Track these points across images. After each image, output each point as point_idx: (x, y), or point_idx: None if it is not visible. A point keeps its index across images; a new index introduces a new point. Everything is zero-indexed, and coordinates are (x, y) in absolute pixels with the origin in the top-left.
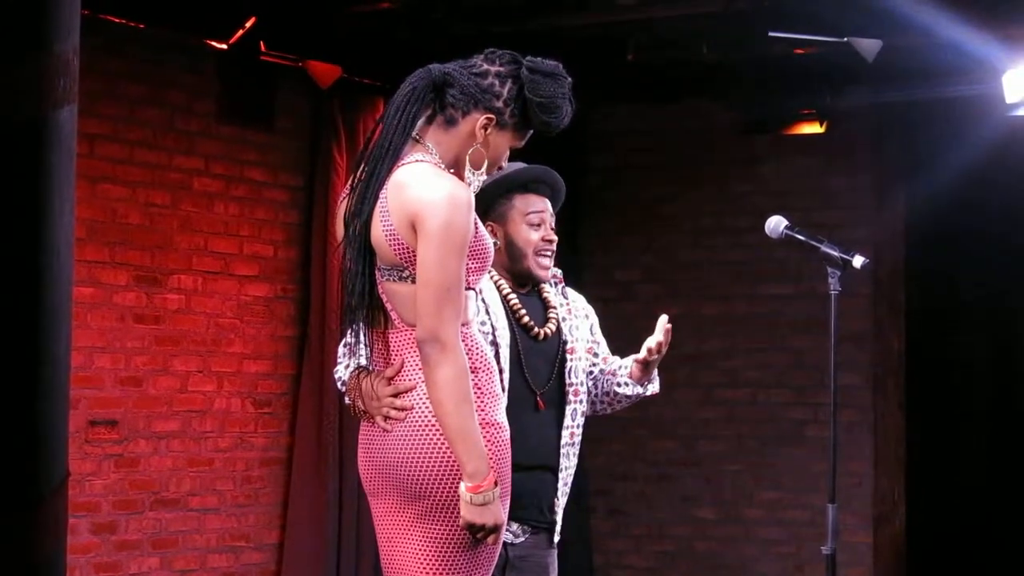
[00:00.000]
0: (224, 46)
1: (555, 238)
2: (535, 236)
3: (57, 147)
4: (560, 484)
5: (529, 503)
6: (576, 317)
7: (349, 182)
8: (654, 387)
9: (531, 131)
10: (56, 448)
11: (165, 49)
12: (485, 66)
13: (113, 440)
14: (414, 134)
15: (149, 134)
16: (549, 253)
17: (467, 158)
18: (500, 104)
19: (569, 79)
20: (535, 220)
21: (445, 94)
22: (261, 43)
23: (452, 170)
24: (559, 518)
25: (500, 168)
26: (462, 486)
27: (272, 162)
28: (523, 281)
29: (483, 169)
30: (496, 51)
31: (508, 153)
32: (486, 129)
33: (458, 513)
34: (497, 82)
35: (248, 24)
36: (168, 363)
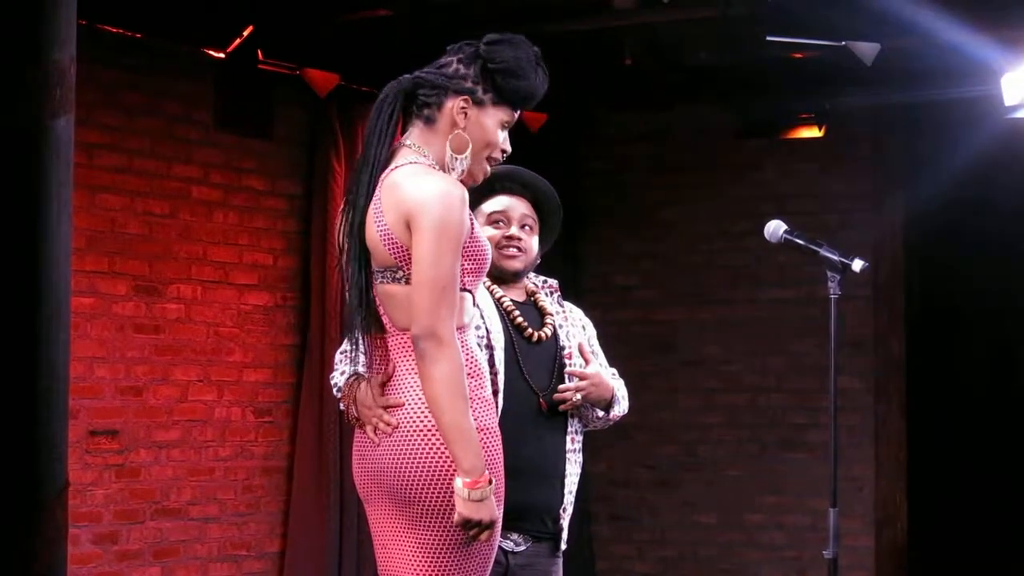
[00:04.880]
0: (222, 55)
1: (519, 236)
2: (496, 233)
3: (55, 156)
4: (566, 492)
5: (531, 514)
6: (572, 326)
7: (345, 198)
8: (616, 410)
9: (515, 104)
10: (56, 457)
11: (163, 58)
12: (448, 58)
13: (114, 450)
14: (407, 142)
15: (147, 143)
16: (513, 249)
17: (447, 144)
18: (470, 84)
19: (534, 47)
20: (497, 218)
21: (417, 96)
22: (259, 51)
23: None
24: (565, 525)
25: (504, 152)
26: (458, 482)
27: (271, 170)
28: (503, 281)
29: (467, 153)
30: (457, 43)
31: (503, 133)
32: (465, 113)
33: (449, 518)
34: (461, 67)
35: (245, 33)
36: (168, 372)
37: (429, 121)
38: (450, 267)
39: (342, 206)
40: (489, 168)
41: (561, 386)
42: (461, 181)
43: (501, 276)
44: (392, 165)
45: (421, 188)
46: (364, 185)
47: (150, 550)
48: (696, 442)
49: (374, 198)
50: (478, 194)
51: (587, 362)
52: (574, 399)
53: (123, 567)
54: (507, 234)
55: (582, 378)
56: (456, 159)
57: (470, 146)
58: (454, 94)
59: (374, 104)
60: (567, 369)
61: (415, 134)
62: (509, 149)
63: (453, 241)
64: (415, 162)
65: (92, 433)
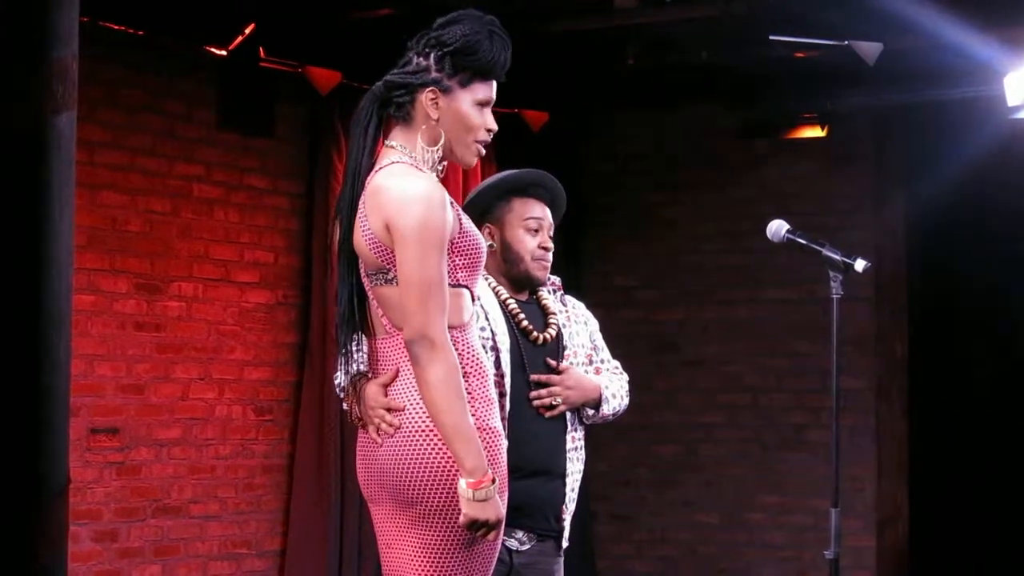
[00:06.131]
0: (224, 53)
1: (551, 246)
2: (532, 242)
3: (56, 153)
4: (568, 490)
5: (536, 511)
6: (576, 323)
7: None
8: (606, 408)
9: (484, 79)
10: (57, 455)
11: (165, 56)
12: (408, 55)
13: (114, 448)
14: (391, 143)
15: (149, 141)
16: (546, 259)
17: (418, 138)
18: (434, 74)
19: (487, 16)
20: (533, 226)
21: (391, 101)
22: (261, 49)
23: (443, 163)
24: (567, 524)
25: (490, 130)
26: (462, 483)
27: (272, 169)
28: (520, 285)
29: (439, 146)
30: (415, 36)
31: (484, 112)
32: (436, 104)
33: (451, 519)
34: (421, 59)
35: (247, 30)
36: (169, 370)
37: (406, 121)
38: (435, 267)
39: (333, 215)
40: (482, 150)
41: (532, 394)
42: (455, 165)
43: (526, 282)
44: (377, 166)
45: (400, 191)
46: (348, 195)
47: (150, 548)
48: (697, 442)
49: (360, 202)
50: (510, 192)
51: (559, 371)
52: (553, 403)
53: (123, 565)
54: (543, 244)
55: (548, 384)
56: (428, 151)
57: (443, 138)
58: (421, 88)
59: (353, 117)
60: (532, 376)
61: (398, 135)
62: (495, 127)
63: (436, 240)
64: (398, 161)
65: (93, 431)
